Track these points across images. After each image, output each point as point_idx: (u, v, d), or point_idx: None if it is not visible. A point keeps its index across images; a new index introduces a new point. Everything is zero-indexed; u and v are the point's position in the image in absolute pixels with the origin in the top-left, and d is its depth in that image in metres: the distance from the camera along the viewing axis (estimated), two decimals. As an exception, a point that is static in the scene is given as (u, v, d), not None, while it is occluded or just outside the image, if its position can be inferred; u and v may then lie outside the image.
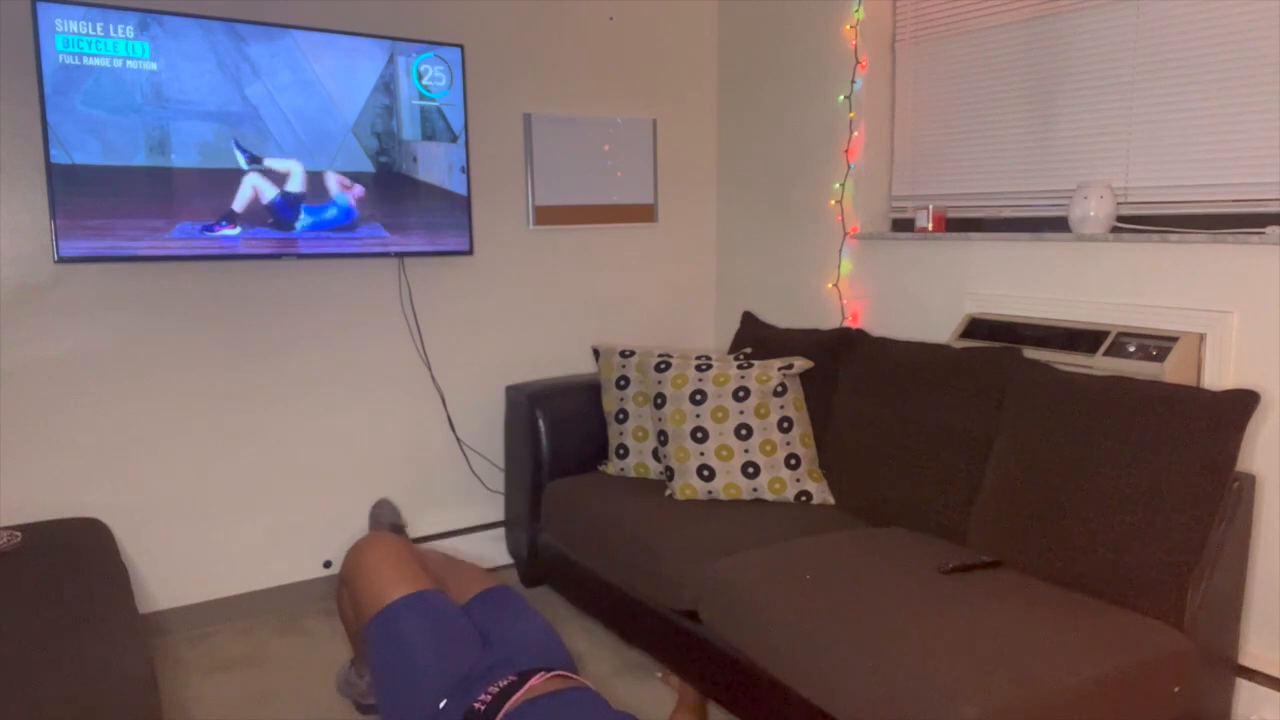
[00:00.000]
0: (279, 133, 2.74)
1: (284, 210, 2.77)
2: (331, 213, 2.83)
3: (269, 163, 2.70)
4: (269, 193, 2.73)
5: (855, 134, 3.15)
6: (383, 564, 2.07)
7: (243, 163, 2.65)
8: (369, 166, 2.90)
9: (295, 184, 2.75)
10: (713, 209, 3.82)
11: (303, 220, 2.80)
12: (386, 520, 3.00)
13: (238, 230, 2.71)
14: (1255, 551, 2.15)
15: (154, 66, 2.55)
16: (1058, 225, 2.65)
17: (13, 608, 1.96)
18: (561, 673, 1.89)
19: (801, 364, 2.80)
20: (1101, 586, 2.02)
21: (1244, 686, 2.19)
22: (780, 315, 3.52)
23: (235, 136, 2.59)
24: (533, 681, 1.81)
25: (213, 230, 2.66)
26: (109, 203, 2.53)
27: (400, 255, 3.05)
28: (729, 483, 2.69)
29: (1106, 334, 2.39)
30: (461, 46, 3.04)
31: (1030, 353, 2.46)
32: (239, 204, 2.70)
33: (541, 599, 3.10)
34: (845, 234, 3.21)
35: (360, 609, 2.06)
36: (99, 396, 2.70)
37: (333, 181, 2.82)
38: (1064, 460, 2.15)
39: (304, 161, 2.78)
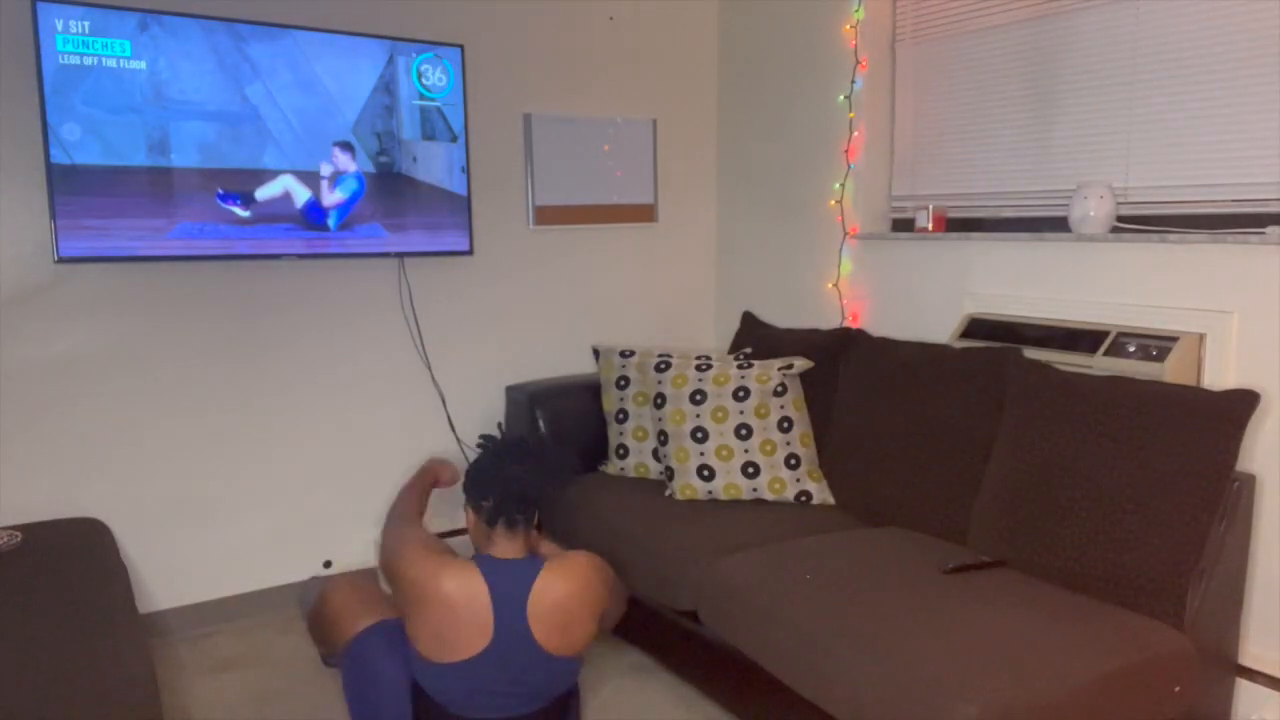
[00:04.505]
0: (279, 133, 2.74)
1: (314, 213, 2.81)
2: (351, 186, 2.85)
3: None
4: (301, 195, 2.75)
5: (855, 134, 3.15)
6: (348, 600, 2.25)
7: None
8: (369, 166, 2.90)
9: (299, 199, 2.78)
10: (713, 209, 3.81)
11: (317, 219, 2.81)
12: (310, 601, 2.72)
13: (248, 213, 2.70)
14: (1255, 551, 2.15)
15: (154, 66, 2.55)
16: (1058, 225, 2.65)
17: (13, 608, 1.96)
18: None
19: (801, 364, 2.80)
20: (1102, 586, 2.02)
21: (1244, 686, 2.19)
22: (780, 315, 3.52)
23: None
24: None
25: (227, 203, 2.66)
26: (109, 203, 2.53)
27: (400, 255, 3.05)
28: (729, 483, 2.69)
29: (1106, 334, 2.39)
30: (461, 46, 3.03)
31: (1030, 353, 2.46)
32: (263, 194, 2.72)
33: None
34: (845, 234, 3.21)
35: (334, 644, 2.23)
36: (99, 396, 2.70)
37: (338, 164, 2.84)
38: (1064, 460, 2.15)
39: (303, 164, 2.79)
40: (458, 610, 1.91)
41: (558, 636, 1.99)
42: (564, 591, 1.99)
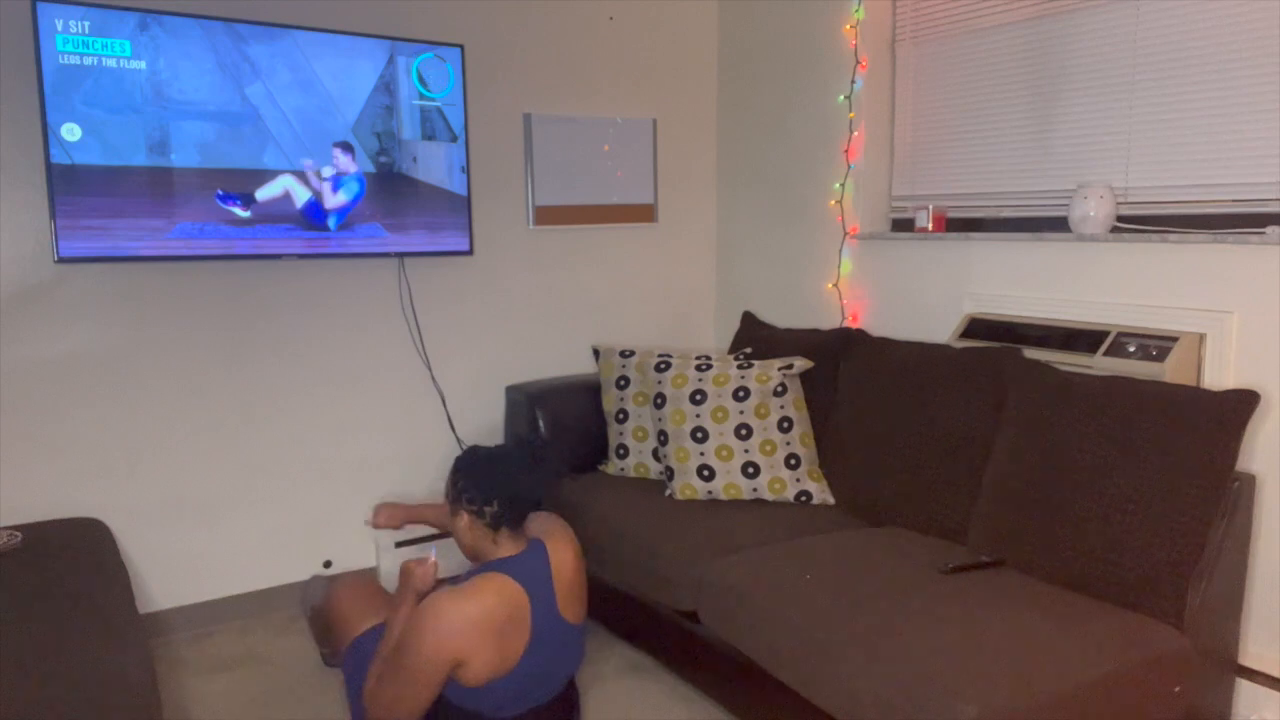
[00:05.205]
0: (279, 133, 2.74)
1: (314, 213, 2.80)
2: (351, 186, 2.85)
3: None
4: (301, 196, 2.75)
5: (855, 134, 3.15)
6: (351, 601, 2.23)
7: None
8: (369, 166, 2.90)
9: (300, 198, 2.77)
10: (713, 209, 3.81)
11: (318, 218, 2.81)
12: (315, 598, 2.74)
13: (248, 213, 2.70)
14: (1255, 551, 2.15)
15: (154, 66, 2.55)
16: (1058, 225, 2.65)
17: (13, 608, 1.96)
18: None
19: (801, 364, 2.80)
20: (1101, 586, 2.02)
21: (1244, 686, 2.19)
22: (780, 315, 3.52)
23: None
24: None
25: (227, 203, 2.65)
26: (109, 203, 2.53)
27: (400, 255, 3.05)
28: (729, 483, 2.69)
29: (1106, 334, 2.39)
30: (461, 46, 3.03)
31: (1030, 353, 2.46)
32: (263, 195, 2.72)
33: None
34: (845, 234, 3.21)
35: (336, 644, 2.23)
36: (99, 396, 2.70)
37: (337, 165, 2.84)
38: (1064, 460, 2.15)
39: (305, 163, 2.79)
40: (506, 625, 1.89)
41: (575, 605, 2.05)
42: (572, 562, 2.04)
